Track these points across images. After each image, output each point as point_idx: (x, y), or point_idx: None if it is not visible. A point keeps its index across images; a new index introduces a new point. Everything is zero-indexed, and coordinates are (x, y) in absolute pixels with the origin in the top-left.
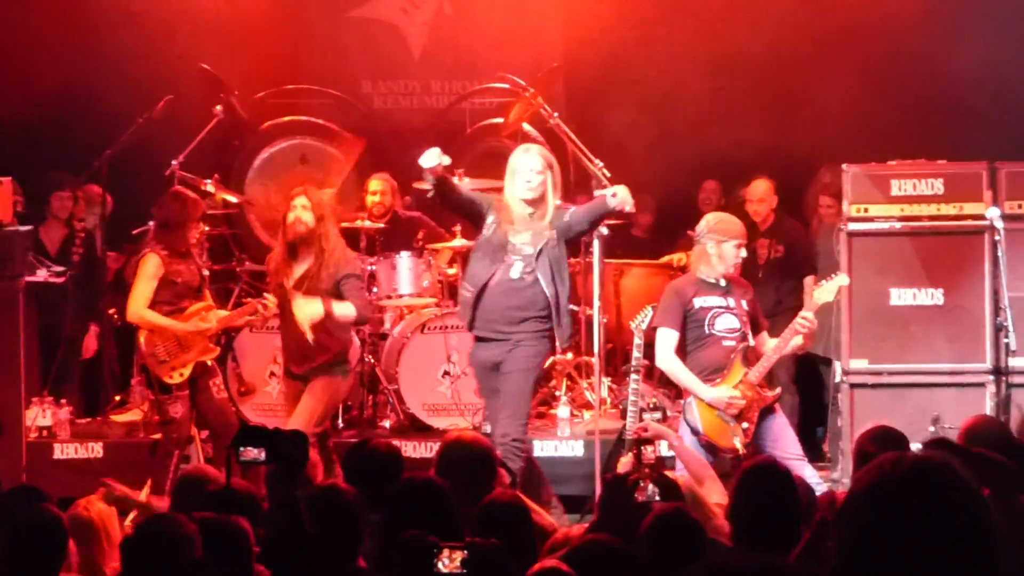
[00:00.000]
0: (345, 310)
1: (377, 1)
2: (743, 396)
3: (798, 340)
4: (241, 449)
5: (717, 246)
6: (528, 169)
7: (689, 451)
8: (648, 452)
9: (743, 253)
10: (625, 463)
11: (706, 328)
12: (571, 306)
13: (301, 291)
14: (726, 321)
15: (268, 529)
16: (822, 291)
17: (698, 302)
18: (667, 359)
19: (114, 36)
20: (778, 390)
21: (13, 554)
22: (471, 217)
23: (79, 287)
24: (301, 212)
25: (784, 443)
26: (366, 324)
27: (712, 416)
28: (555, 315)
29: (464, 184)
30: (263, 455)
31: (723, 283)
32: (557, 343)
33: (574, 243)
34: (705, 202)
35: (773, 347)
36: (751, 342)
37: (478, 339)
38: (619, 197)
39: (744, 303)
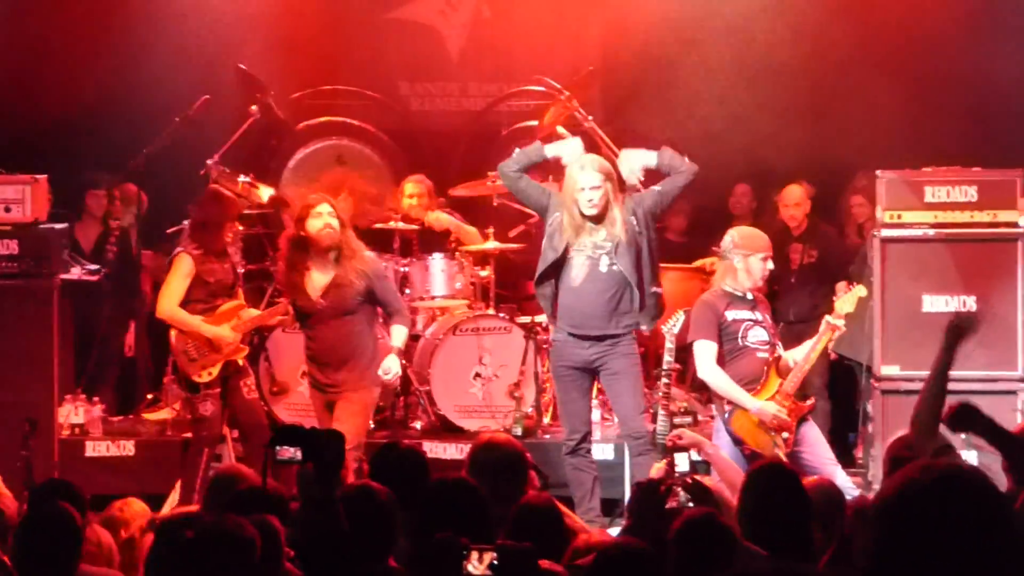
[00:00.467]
0: (401, 335)
1: (415, 3)
2: (784, 413)
3: (823, 343)
4: (278, 448)
5: (744, 260)
6: (589, 187)
7: (724, 459)
8: (682, 460)
9: (770, 266)
10: (659, 469)
11: (739, 341)
12: (655, 289)
13: (328, 300)
14: (757, 333)
15: (298, 529)
16: (843, 302)
17: (730, 315)
18: (710, 371)
19: (152, 36)
20: (812, 400)
21: (26, 549)
22: (531, 204)
23: (114, 285)
24: (329, 219)
25: (817, 448)
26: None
27: (754, 426)
28: (638, 298)
29: (498, 184)
30: (299, 455)
31: (749, 296)
32: (642, 326)
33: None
34: (736, 206)
35: (804, 357)
36: (781, 352)
37: (570, 335)
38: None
39: (768, 317)
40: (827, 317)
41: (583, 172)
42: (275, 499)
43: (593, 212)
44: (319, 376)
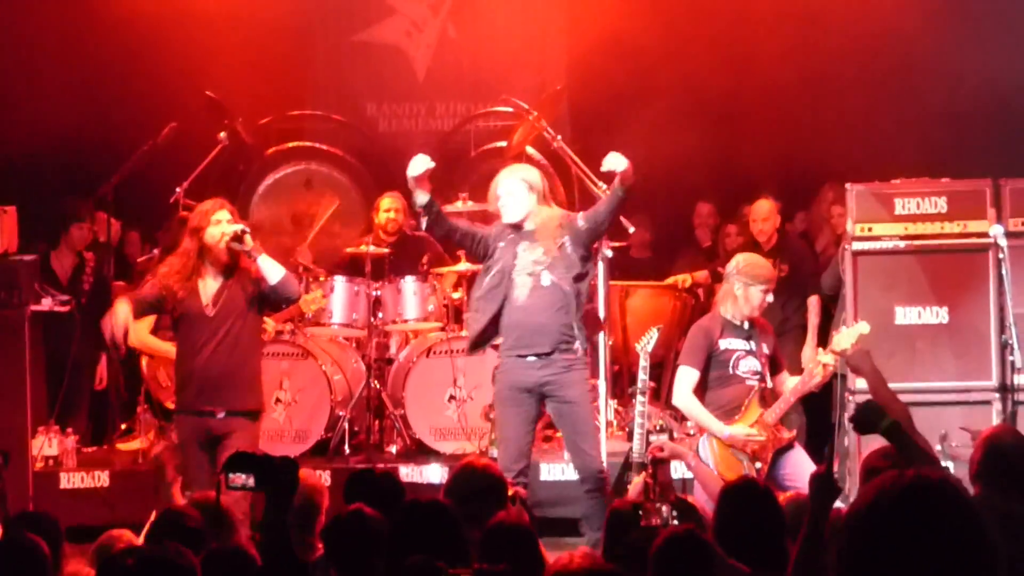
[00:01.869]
0: (274, 263)
1: (381, 25)
2: (757, 441)
3: (815, 381)
4: (231, 475)
5: (744, 288)
6: (504, 194)
7: (707, 470)
8: (661, 473)
9: (770, 298)
10: (636, 484)
11: (730, 369)
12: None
13: (219, 307)
14: (749, 363)
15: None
16: (841, 337)
17: (723, 343)
18: (683, 398)
19: (120, 64)
20: (794, 431)
21: None
22: (473, 251)
23: (88, 315)
24: (227, 227)
25: (801, 470)
26: (295, 300)
27: (727, 453)
28: (576, 313)
29: (468, 206)
30: (252, 481)
31: (747, 325)
32: (577, 343)
33: (594, 243)
34: (700, 225)
35: (791, 390)
36: (769, 384)
37: (517, 357)
38: (613, 163)
39: (765, 347)
40: (820, 355)
41: (501, 178)
42: (189, 529)
43: (512, 219)
44: (194, 392)
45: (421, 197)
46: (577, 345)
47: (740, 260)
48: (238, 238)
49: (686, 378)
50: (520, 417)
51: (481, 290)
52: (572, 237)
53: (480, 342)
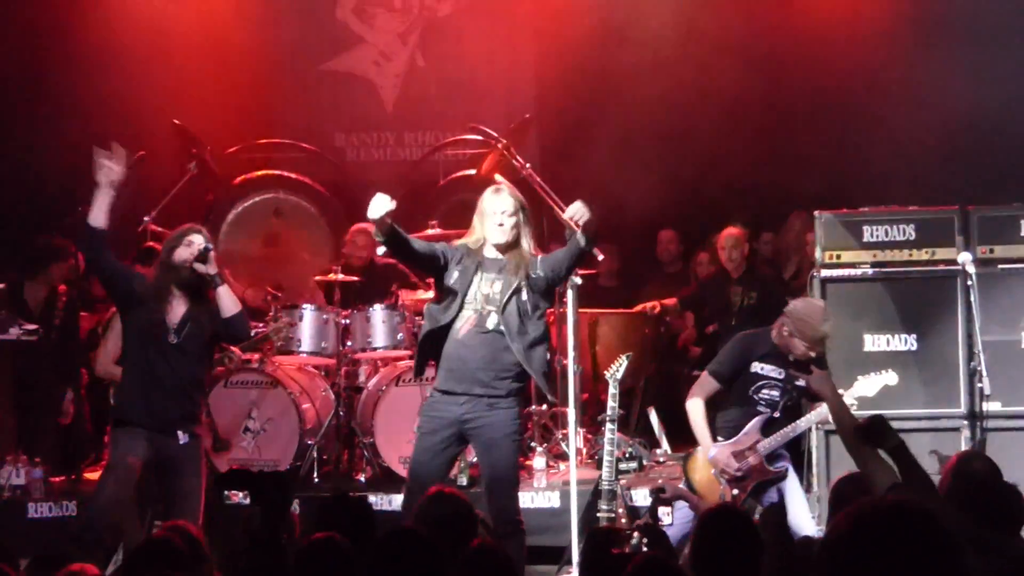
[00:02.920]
0: (233, 297)
1: (350, 54)
2: (739, 466)
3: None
4: (226, 492)
5: (789, 335)
6: (500, 212)
7: (707, 507)
8: (664, 516)
9: (812, 354)
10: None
11: (750, 391)
12: (555, 356)
13: (181, 337)
14: (771, 393)
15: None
16: (865, 384)
17: (756, 366)
18: (692, 403)
19: (87, 92)
20: (780, 466)
21: None
22: (431, 269)
23: (59, 347)
24: (195, 248)
25: (790, 504)
26: (244, 340)
27: (708, 472)
28: (528, 368)
29: (435, 233)
30: (247, 498)
31: (791, 357)
32: (547, 396)
33: (553, 291)
34: (663, 252)
35: (791, 426)
36: (776, 414)
37: (443, 392)
38: (576, 213)
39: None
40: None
41: (497, 196)
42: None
43: (502, 240)
44: (152, 411)
45: (380, 236)
46: (514, 388)
47: (799, 306)
48: (202, 257)
49: (704, 385)
50: (431, 452)
51: (429, 310)
52: (529, 282)
53: (421, 363)
